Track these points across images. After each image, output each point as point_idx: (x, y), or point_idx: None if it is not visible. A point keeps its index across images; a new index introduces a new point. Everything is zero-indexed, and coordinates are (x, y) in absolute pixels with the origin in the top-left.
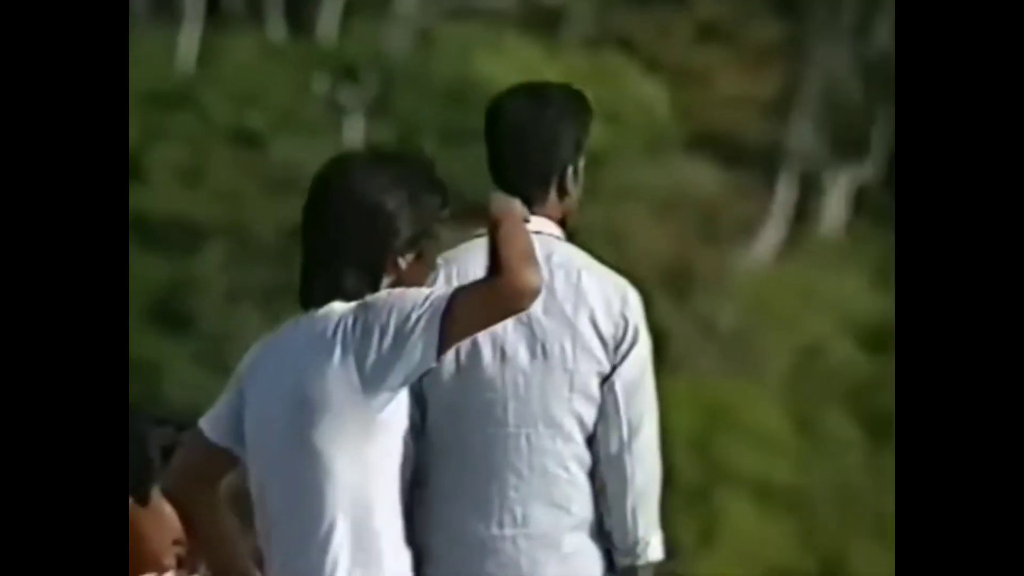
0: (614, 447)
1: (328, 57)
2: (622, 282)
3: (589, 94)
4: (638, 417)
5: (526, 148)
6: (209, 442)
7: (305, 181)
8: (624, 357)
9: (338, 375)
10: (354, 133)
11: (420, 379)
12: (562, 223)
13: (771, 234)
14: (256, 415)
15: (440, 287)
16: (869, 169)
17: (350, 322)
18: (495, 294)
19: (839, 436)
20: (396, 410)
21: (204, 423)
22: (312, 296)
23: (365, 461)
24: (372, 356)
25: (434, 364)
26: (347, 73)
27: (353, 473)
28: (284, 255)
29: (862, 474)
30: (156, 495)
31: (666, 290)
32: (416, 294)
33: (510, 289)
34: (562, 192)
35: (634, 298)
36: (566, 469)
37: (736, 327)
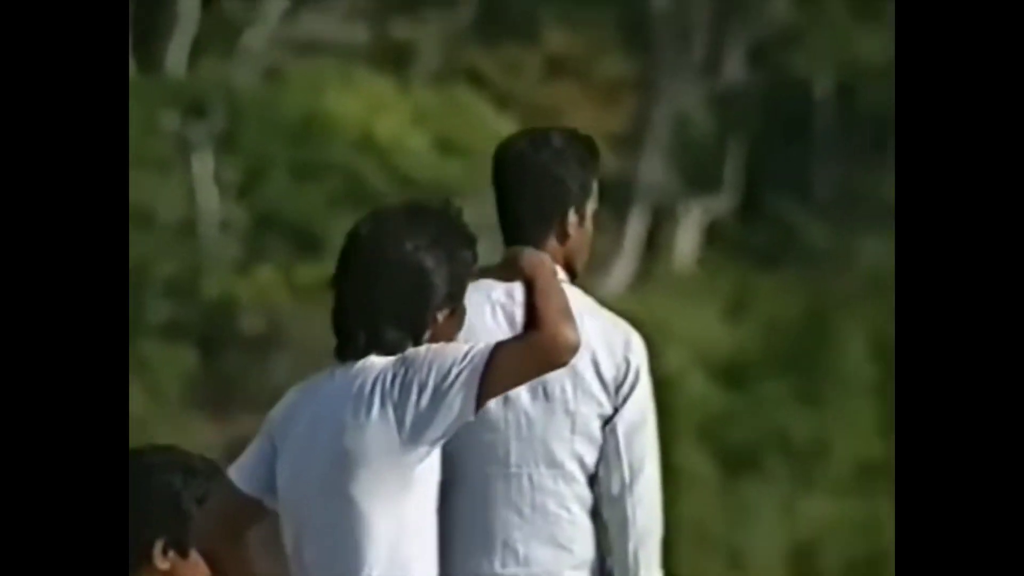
0: (616, 488)
1: (176, 92)
2: (625, 325)
3: (438, 128)
4: (639, 459)
5: (524, 191)
6: (239, 492)
7: (154, 216)
8: (625, 399)
9: (377, 429)
10: (203, 169)
11: None
12: (567, 266)
13: (624, 267)
14: (291, 466)
15: (475, 342)
16: (722, 202)
17: (389, 376)
18: (536, 350)
19: (692, 471)
20: (432, 464)
21: (233, 472)
22: (351, 350)
23: (402, 514)
24: (412, 411)
25: (472, 419)
26: (195, 109)
27: (390, 526)
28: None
29: (716, 509)
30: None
31: None
32: (455, 349)
33: (551, 345)
34: (562, 235)
35: (637, 342)
36: (568, 509)
37: None
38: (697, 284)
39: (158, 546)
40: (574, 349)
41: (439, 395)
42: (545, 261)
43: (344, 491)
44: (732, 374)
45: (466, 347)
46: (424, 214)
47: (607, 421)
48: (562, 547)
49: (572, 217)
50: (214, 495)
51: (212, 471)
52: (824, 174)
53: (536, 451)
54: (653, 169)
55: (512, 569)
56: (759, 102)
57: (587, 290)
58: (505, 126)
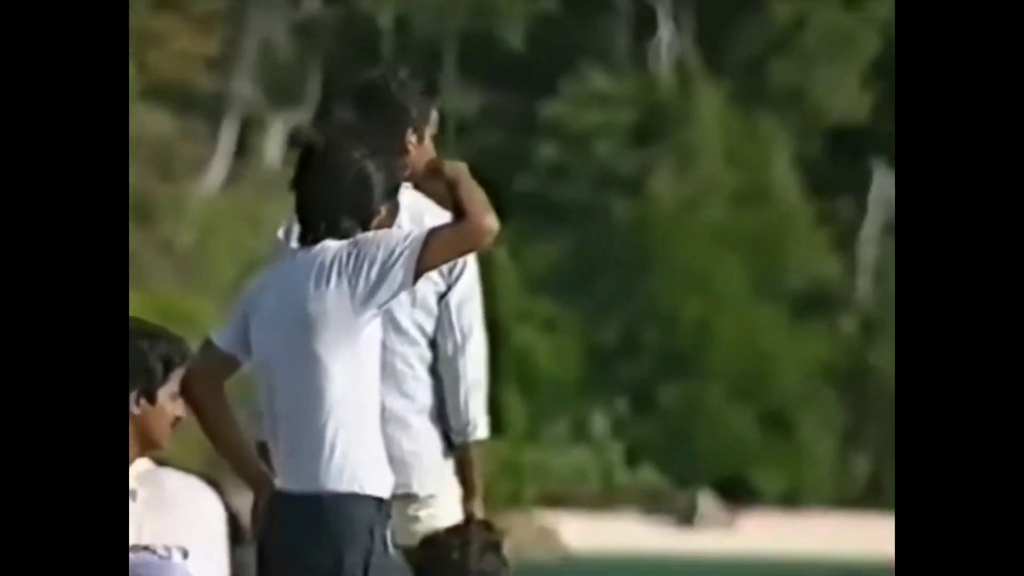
0: (450, 350)
1: None
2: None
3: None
4: (469, 327)
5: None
6: (219, 350)
7: None
8: (456, 279)
9: (335, 296)
10: None
11: None
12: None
13: (218, 170)
14: (264, 330)
15: (412, 227)
16: (302, 113)
17: (344, 255)
18: (463, 234)
19: None
20: (376, 326)
21: (214, 335)
22: (312, 236)
23: (355, 365)
24: (363, 281)
25: (410, 288)
26: None
27: (346, 375)
28: None
29: None
30: (161, 395)
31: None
32: (398, 234)
33: (476, 230)
34: (403, 149)
35: None
36: (411, 367)
37: (190, 248)
38: (283, 182)
39: (132, 396)
40: (493, 233)
41: (385, 269)
42: (463, 168)
43: (308, 347)
44: None
45: (406, 232)
46: (364, 129)
47: (442, 296)
48: (407, 396)
49: (411, 136)
50: (199, 352)
51: (176, 340)
52: None
53: (385, 321)
54: (243, 87)
55: None
56: (333, 30)
57: (187, 190)
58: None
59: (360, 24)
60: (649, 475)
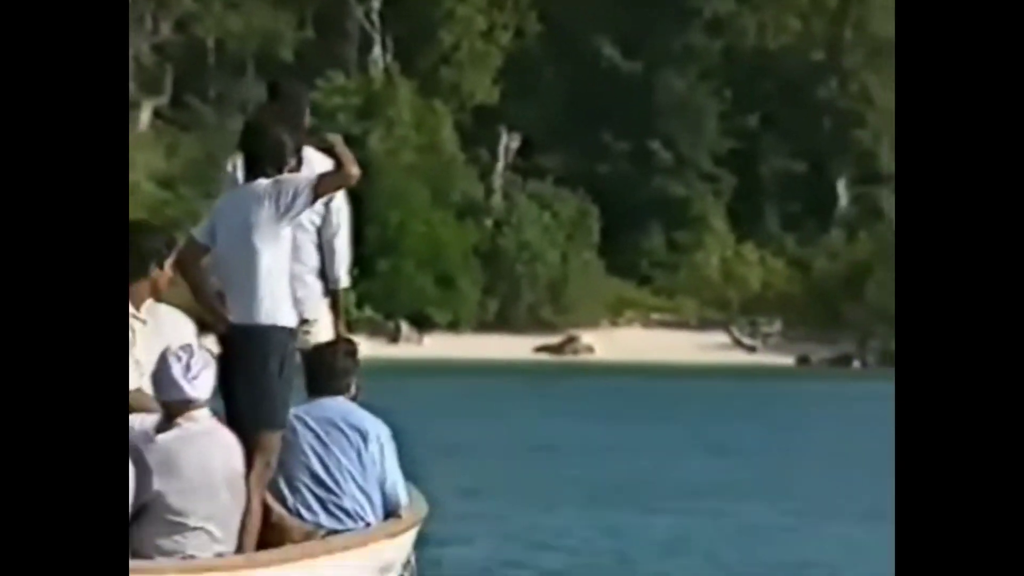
0: (328, 236)
1: None
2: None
3: None
4: (339, 223)
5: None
6: (197, 241)
7: None
8: (331, 199)
9: (266, 212)
10: None
11: None
12: None
13: None
14: (224, 231)
15: (309, 171)
16: (162, 99)
17: (271, 188)
18: (340, 177)
19: None
20: (288, 228)
21: (195, 232)
22: (252, 177)
23: (276, 249)
24: (282, 201)
25: (310, 206)
26: None
27: (270, 255)
28: None
29: None
30: (165, 265)
31: None
32: (302, 176)
33: (347, 175)
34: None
35: None
36: (307, 247)
37: None
38: (149, 139)
39: (152, 265)
40: (356, 177)
41: (296, 195)
42: (339, 138)
43: (250, 240)
44: None
45: (307, 175)
46: (281, 113)
47: (326, 206)
48: (303, 263)
49: (306, 117)
50: (185, 241)
51: (170, 233)
52: None
53: (295, 223)
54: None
55: None
56: (179, 47)
57: None
58: None
59: (196, 44)
60: (370, 312)
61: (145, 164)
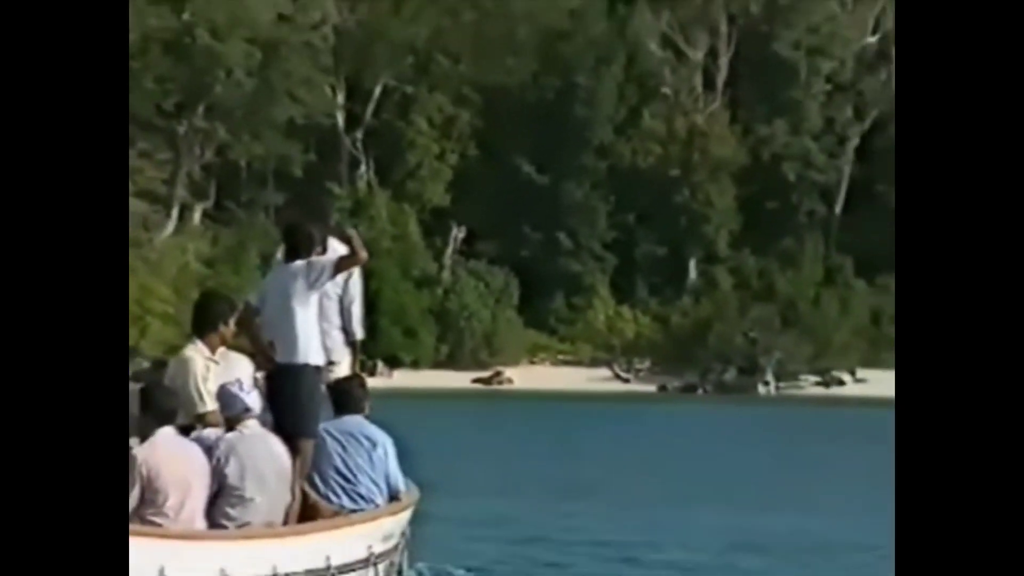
0: (347, 303)
1: None
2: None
3: None
4: (354, 294)
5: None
6: (252, 305)
7: None
8: (350, 275)
9: (300, 282)
10: None
11: None
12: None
13: None
14: (271, 296)
15: (332, 254)
16: None
17: (304, 267)
18: (353, 260)
19: None
20: (316, 295)
21: (251, 298)
22: (290, 259)
23: (307, 309)
24: (312, 276)
25: (331, 279)
26: None
27: (303, 312)
28: None
29: None
30: (231, 322)
31: None
32: (326, 259)
33: (359, 259)
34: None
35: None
36: (331, 310)
37: None
38: None
39: (220, 323)
40: (366, 260)
41: (322, 272)
42: (355, 233)
43: (287, 300)
44: None
45: (330, 258)
46: (310, 216)
47: (345, 282)
48: (329, 321)
49: (331, 223)
50: (244, 306)
51: (231, 299)
52: None
53: (321, 293)
54: None
55: None
56: None
57: None
58: None
59: (231, 164)
60: None
61: (195, 250)
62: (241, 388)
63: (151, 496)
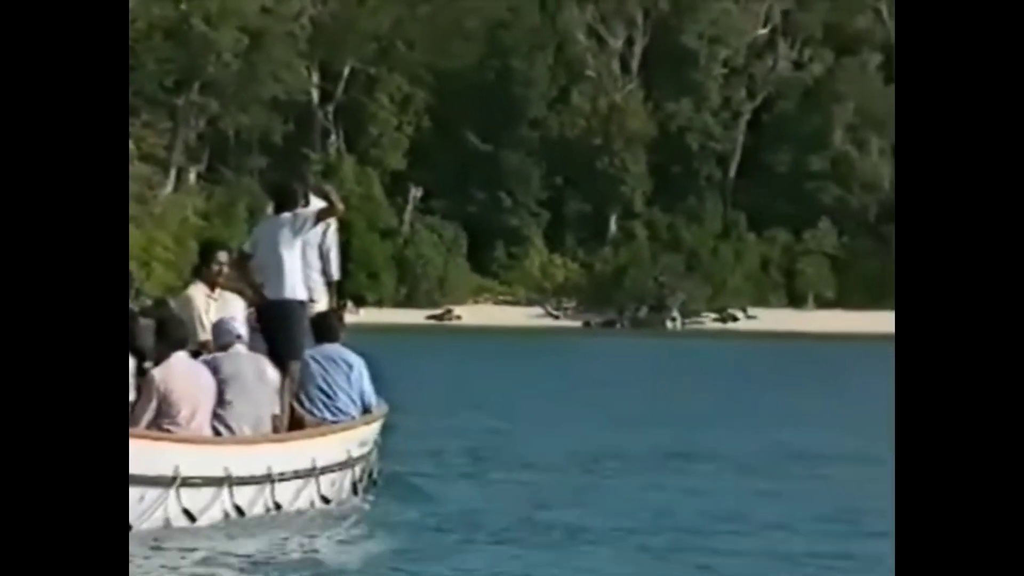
0: (326, 250)
1: None
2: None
3: None
4: (332, 242)
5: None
6: (245, 252)
7: None
8: (328, 226)
9: (286, 231)
10: None
11: None
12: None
13: None
14: (261, 244)
15: (313, 206)
16: None
17: (290, 218)
18: (332, 211)
19: None
20: (299, 241)
21: (244, 246)
22: (278, 212)
23: (294, 253)
24: (298, 223)
25: (312, 228)
26: None
27: (290, 257)
28: None
29: None
30: (223, 268)
31: None
32: (308, 211)
33: (337, 209)
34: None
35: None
36: (313, 255)
37: None
38: None
39: (217, 267)
40: (341, 212)
41: (304, 222)
42: (331, 188)
43: (277, 248)
44: None
45: (312, 210)
46: (295, 177)
47: (323, 232)
48: (310, 266)
49: (311, 180)
50: (237, 252)
51: (229, 250)
52: None
53: (304, 242)
54: None
55: None
56: None
57: None
58: None
59: (221, 133)
60: None
61: (192, 206)
62: (232, 321)
63: (166, 408)
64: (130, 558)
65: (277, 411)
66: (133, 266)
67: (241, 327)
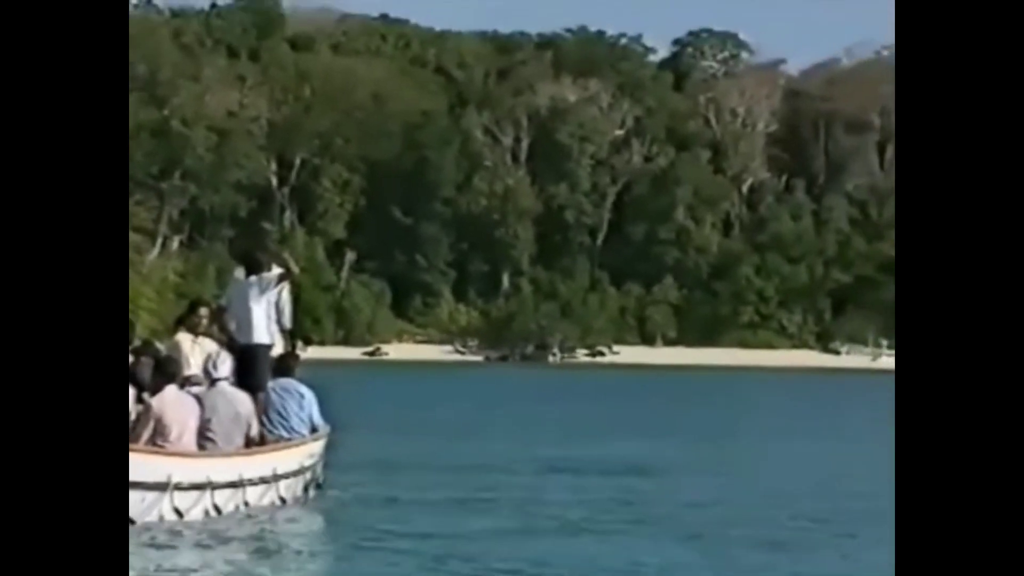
0: (281, 305)
1: None
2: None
3: None
4: (285, 300)
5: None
6: (222, 305)
7: None
8: (282, 288)
9: (255, 288)
10: None
11: None
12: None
13: None
14: (234, 300)
15: (275, 272)
16: None
17: (256, 280)
18: (288, 276)
19: None
20: (265, 300)
21: (222, 301)
22: (247, 276)
23: (261, 307)
24: (263, 284)
25: (274, 289)
26: None
27: (257, 309)
28: None
29: None
30: (203, 320)
31: None
32: (271, 275)
33: (293, 275)
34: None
35: None
36: (272, 311)
37: None
38: None
39: (199, 318)
40: (295, 276)
41: (268, 284)
42: (290, 258)
43: (246, 303)
44: None
45: (273, 275)
46: (260, 248)
47: (280, 290)
48: (270, 318)
49: (273, 252)
50: (218, 306)
51: (209, 304)
52: None
53: (269, 302)
54: None
55: None
56: None
57: None
58: None
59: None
60: None
61: (172, 267)
62: (215, 365)
63: (160, 429)
64: (135, 544)
65: (252, 432)
66: None
67: (223, 368)
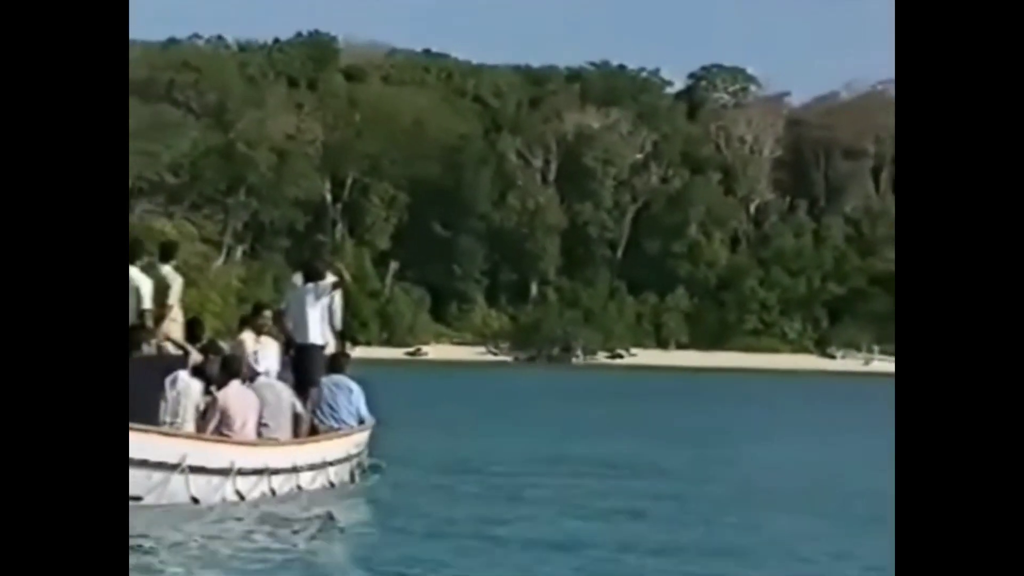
0: (334, 309)
1: None
2: None
3: None
4: (338, 304)
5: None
6: (282, 309)
7: None
8: (334, 295)
9: (312, 294)
10: None
11: None
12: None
13: None
14: (294, 304)
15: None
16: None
17: (313, 287)
18: (342, 284)
19: None
20: (323, 303)
21: (281, 306)
22: (306, 282)
23: (318, 310)
24: (319, 291)
25: (329, 295)
26: None
27: (313, 312)
28: None
29: None
30: (262, 325)
31: None
32: (326, 282)
33: (347, 282)
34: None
35: None
36: (327, 314)
37: None
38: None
39: (263, 320)
40: (348, 283)
41: (323, 290)
42: (343, 266)
43: (303, 307)
44: None
45: (328, 282)
46: (318, 258)
47: (333, 295)
48: (325, 321)
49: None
50: (277, 310)
51: (270, 308)
52: None
53: (325, 305)
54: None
55: None
56: None
57: None
58: None
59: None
60: None
61: (236, 274)
62: (256, 359)
63: (225, 421)
64: (200, 522)
65: (290, 421)
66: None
67: (275, 365)
